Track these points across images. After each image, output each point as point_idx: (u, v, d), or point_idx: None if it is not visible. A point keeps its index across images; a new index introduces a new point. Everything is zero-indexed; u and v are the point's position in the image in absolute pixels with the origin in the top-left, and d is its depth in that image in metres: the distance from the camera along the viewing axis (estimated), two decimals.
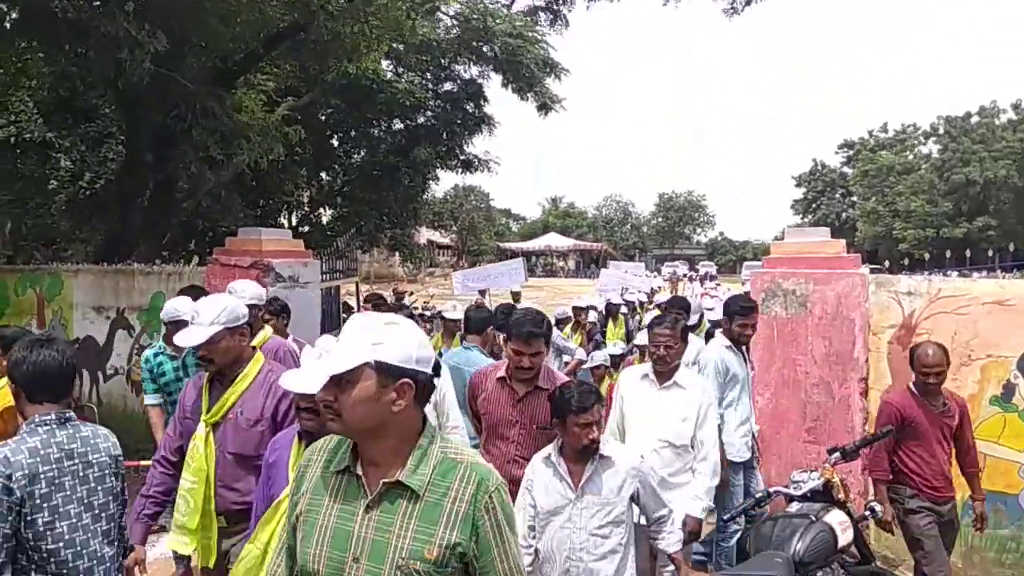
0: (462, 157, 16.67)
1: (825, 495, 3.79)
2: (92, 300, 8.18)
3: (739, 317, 4.79)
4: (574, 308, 10.14)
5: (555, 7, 11.26)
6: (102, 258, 9.18)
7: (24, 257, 12.29)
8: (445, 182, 72.73)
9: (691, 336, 6.56)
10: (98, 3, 7.59)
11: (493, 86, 16.44)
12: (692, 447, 3.90)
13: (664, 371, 4.01)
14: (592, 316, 10.25)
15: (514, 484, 3.19)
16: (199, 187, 11.51)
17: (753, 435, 4.93)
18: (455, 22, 13.82)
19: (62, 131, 12.20)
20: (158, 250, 10.37)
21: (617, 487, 3.12)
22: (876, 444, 4.16)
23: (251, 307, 4.22)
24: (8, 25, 8.87)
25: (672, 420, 3.92)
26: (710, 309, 9.16)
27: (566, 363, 7.68)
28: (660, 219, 78.50)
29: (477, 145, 16.70)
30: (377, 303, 8.18)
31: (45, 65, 10.35)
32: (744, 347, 4.95)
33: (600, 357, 7.70)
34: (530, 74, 13.82)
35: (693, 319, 7.17)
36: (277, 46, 9.90)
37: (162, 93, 9.04)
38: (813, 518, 3.59)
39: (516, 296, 11.58)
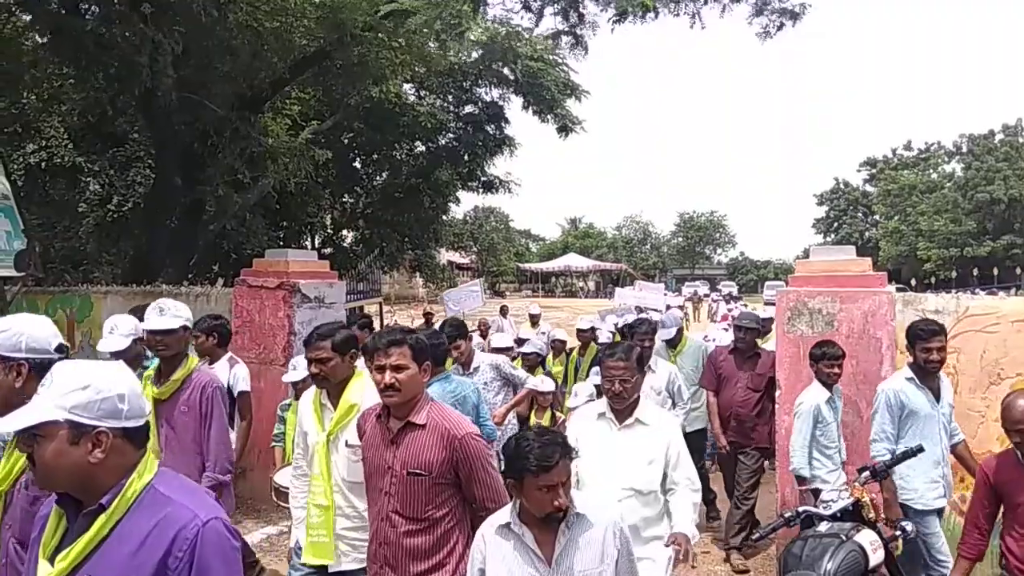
0: (483, 178, 16.83)
1: (855, 515, 3.76)
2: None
3: (921, 341, 4.29)
4: (578, 331, 8.64)
5: (578, 31, 11.32)
6: (130, 280, 9.34)
7: (53, 279, 12.52)
8: (465, 203, 73.13)
9: (663, 358, 6.30)
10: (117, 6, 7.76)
11: (514, 108, 16.62)
12: (663, 494, 3.40)
13: (622, 408, 3.47)
14: (604, 337, 8.89)
15: (388, 546, 2.79)
16: (225, 209, 11.70)
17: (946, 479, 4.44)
18: (477, 46, 13.99)
19: (91, 156, 12.49)
20: (184, 272, 10.54)
21: (599, 554, 2.50)
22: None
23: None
24: (41, 51, 9.15)
25: (637, 464, 3.37)
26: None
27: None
28: (680, 239, 78.25)
29: (498, 166, 16.88)
30: (363, 324, 8.19)
31: (76, 91, 10.61)
32: (934, 376, 4.39)
33: (584, 391, 5.90)
34: (551, 96, 13.95)
35: (670, 333, 6.81)
36: (304, 71, 10.10)
37: (191, 117, 9.25)
38: (843, 538, 3.56)
39: (534, 318, 11.47)
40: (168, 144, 9.75)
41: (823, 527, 3.72)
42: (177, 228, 10.76)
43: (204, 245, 11.87)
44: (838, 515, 3.76)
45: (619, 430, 3.45)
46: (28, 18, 9.20)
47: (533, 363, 6.90)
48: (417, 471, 2.74)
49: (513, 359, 6.75)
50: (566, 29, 9.52)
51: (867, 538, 3.60)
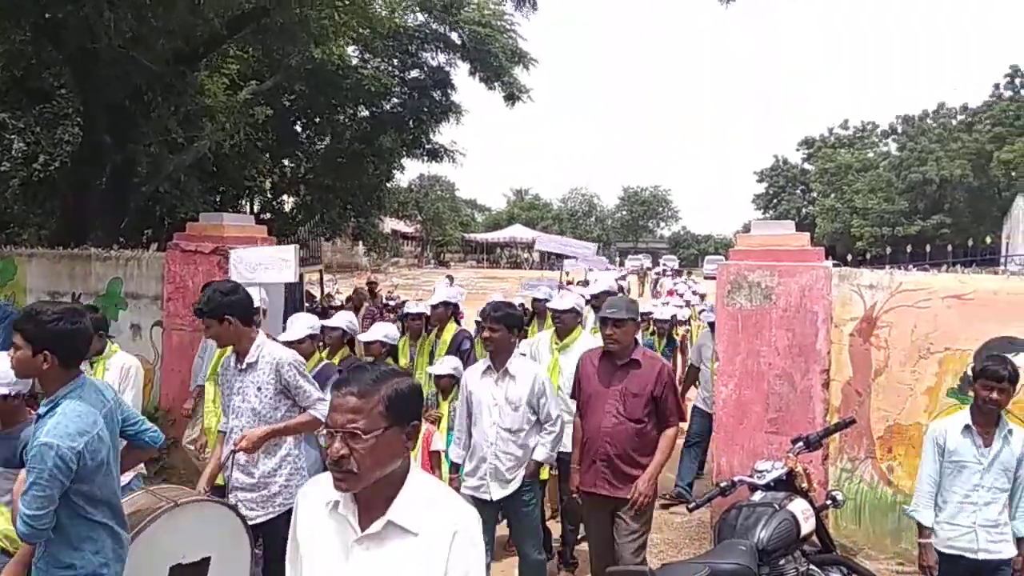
0: (428, 146, 16.59)
1: (788, 484, 3.84)
2: (47, 285, 7.97)
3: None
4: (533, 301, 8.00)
5: None
6: (57, 243, 8.94)
7: None
8: (410, 172, 72.36)
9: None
10: None
11: (460, 74, 16.39)
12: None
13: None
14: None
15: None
16: (159, 171, 11.27)
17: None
18: (421, 10, 13.73)
19: (16, 112, 11.86)
20: (115, 235, 10.13)
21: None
22: None
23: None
24: None
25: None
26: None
27: None
28: (624, 212, 78.90)
29: (444, 134, 16.66)
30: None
31: None
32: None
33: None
34: (498, 63, 13.80)
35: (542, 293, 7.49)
36: (242, 28, 9.72)
37: (123, 73, 8.84)
38: (777, 507, 3.63)
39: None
40: (98, 101, 9.30)
41: (757, 496, 3.79)
42: (107, 189, 10.31)
43: (136, 207, 11.41)
44: (772, 484, 3.83)
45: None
46: None
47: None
48: None
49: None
50: None
51: (799, 507, 3.68)
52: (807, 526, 3.65)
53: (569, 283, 8.73)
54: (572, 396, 4.48)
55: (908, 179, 52.85)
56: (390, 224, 37.64)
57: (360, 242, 24.65)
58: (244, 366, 3.83)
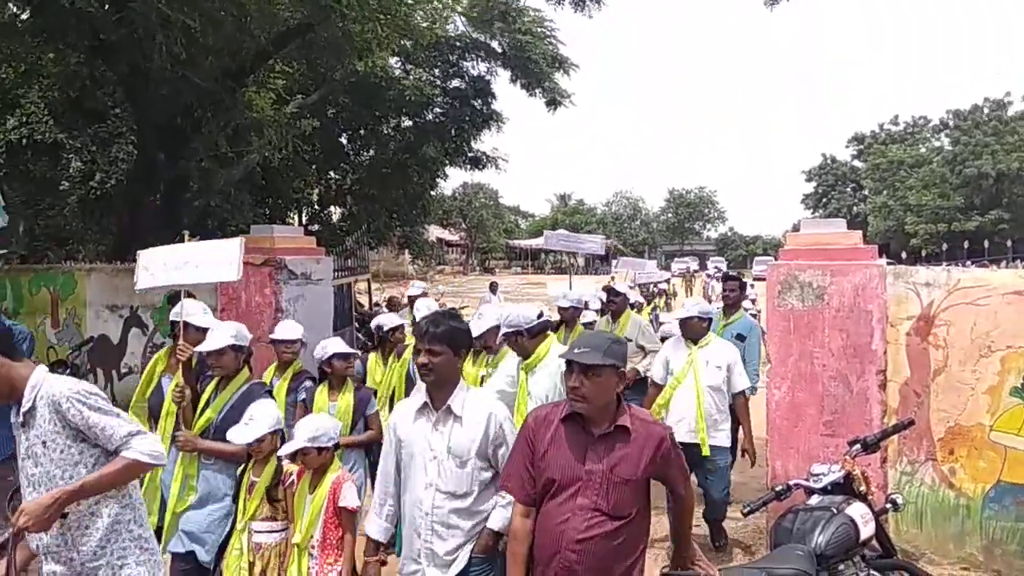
0: (470, 154, 16.69)
1: (846, 488, 3.74)
2: (105, 299, 8.21)
3: None
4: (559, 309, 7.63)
5: None
6: (115, 257, 9.22)
7: (38, 257, 12.35)
8: (454, 180, 72.95)
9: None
10: None
11: (501, 82, 16.49)
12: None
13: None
14: (590, 316, 8.22)
15: None
16: (210, 186, 11.54)
17: None
18: (463, 18, 13.83)
19: (73, 132, 12.27)
20: None
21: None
22: None
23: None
24: (20, 24, 8.94)
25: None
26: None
27: None
28: (670, 215, 78.27)
29: (485, 142, 16.76)
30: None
31: (55, 64, 10.39)
32: None
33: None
34: (539, 70, 13.80)
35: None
36: (287, 44, 9.91)
37: (173, 92, 9.08)
38: (834, 511, 3.54)
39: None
40: (150, 119, 9.57)
41: (813, 500, 3.70)
42: (161, 205, 10.61)
43: (189, 222, 11.69)
44: (828, 488, 3.74)
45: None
46: None
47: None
48: None
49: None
50: None
51: (858, 511, 3.58)
52: (866, 530, 3.56)
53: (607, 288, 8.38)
54: (503, 484, 3.05)
55: (963, 174, 51.44)
56: (435, 232, 37.96)
57: (406, 251, 24.87)
58: (22, 418, 2.82)
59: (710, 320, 5.97)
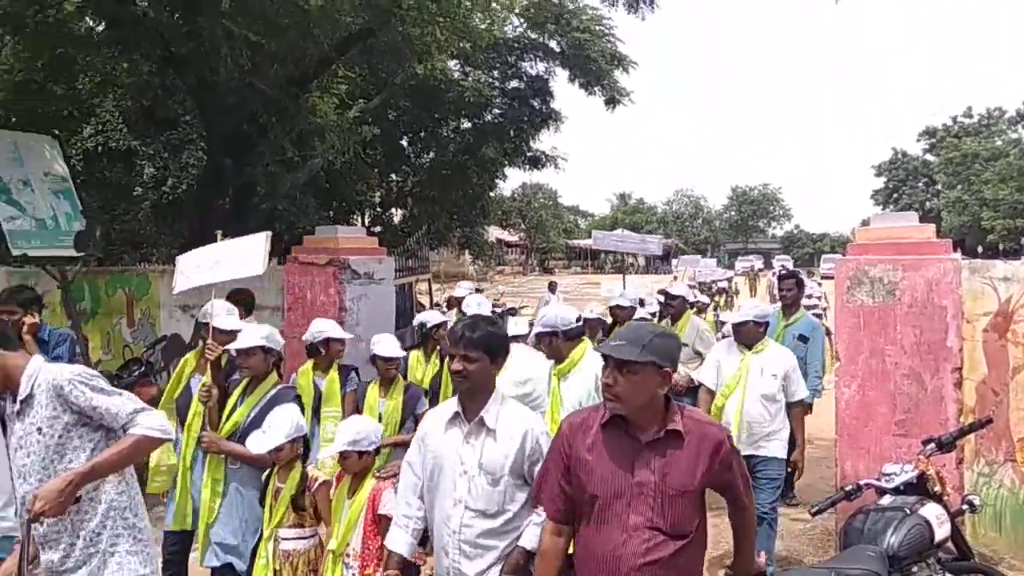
0: (529, 154, 16.71)
1: (919, 488, 3.63)
2: (178, 299, 8.48)
3: None
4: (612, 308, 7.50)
5: None
6: None
7: (114, 260, 12.84)
8: (513, 180, 73.12)
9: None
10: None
11: (559, 81, 16.44)
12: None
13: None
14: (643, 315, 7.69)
15: None
16: (276, 190, 11.82)
17: None
18: (520, 19, 13.86)
19: (145, 139, 12.73)
20: None
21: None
22: None
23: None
24: (96, 37, 9.33)
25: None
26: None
27: None
28: (733, 213, 77.00)
29: (544, 141, 16.74)
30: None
31: (128, 75, 10.80)
32: None
33: None
34: (597, 68, 13.71)
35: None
36: (349, 49, 10.08)
37: (240, 100, 9.33)
38: (908, 511, 3.44)
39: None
40: (219, 126, 9.86)
41: (886, 500, 3.60)
42: (230, 209, 10.92)
43: (256, 225, 12.01)
44: (901, 488, 3.63)
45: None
46: (78, 3, 9.38)
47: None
48: None
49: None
50: None
51: (933, 512, 3.47)
52: (941, 532, 3.44)
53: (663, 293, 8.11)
54: (535, 498, 2.78)
55: None
56: (495, 233, 38.12)
57: (466, 251, 25.04)
58: (18, 407, 2.82)
59: (767, 324, 5.50)
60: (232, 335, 4.47)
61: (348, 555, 3.64)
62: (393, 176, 17.56)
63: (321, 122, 11.49)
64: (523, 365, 4.46)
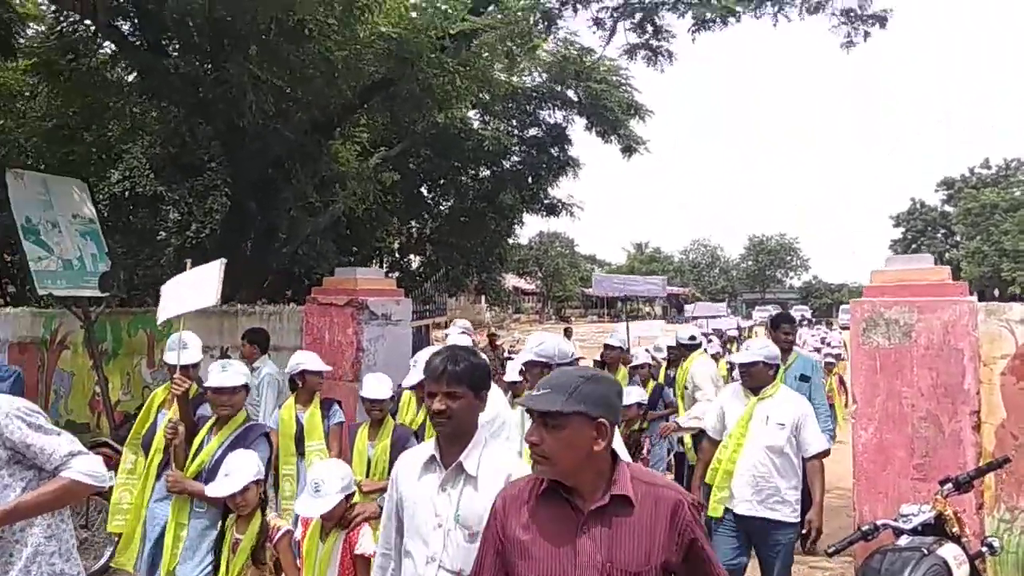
0: (546, 201, 16.88)
1: (937, 529, 3.60)
2: (200, 339, 8.59)
3: None
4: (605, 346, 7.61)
5: (652, 44, 11.33)
6: None
7: (137, 303, 13.04)
8: (530, 228, 73.62)
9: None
10: (225, 49, 8.14)
11: (576, 129, 16.62)
12: None
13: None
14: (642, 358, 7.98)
15: None
16: (297, 234, 12.02)
17: None
18: (545, 67, 14.18)
19: (171, 185, 13.03)
20: (257, 295, 10.86)
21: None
22: None
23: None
24: (126, 85, 9.65)
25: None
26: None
27: None
28: (750, 262, 76.89)
29: (562, 188, 16.93)
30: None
31: (157, 122, 11.11)
32: None
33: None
34: (614, 117, 13.94)
35: None
36: (371, 97, 10.34)
37: (265, 145, 9.57)
38: (925, 551, 3.41)
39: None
40: (245, 170, 10.10)
41: (903, 541, 3.57)
42: (252, 253, 11.10)
43: (277, 269, 12.20)
44: (919, 529, 3.61)
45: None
46: (111, 51, 9.73)
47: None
48: None
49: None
50: (641, 43, 9.60)
51: (951, 552, 3.44)
52: (960, 573, 3.41)
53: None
54: None
55: None
56: (511, 281, 38.26)
57: (483, 297, 25.16)
58: None
59: (777, 367, 4.85)
60: (192, 369, 4.57)
61: None
62: (412, 223, 17.78)
63: (343, 169, 11.73)
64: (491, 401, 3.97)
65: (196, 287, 4.45)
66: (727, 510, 4.54)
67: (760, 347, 4.79)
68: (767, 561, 4.54)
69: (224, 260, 4.54)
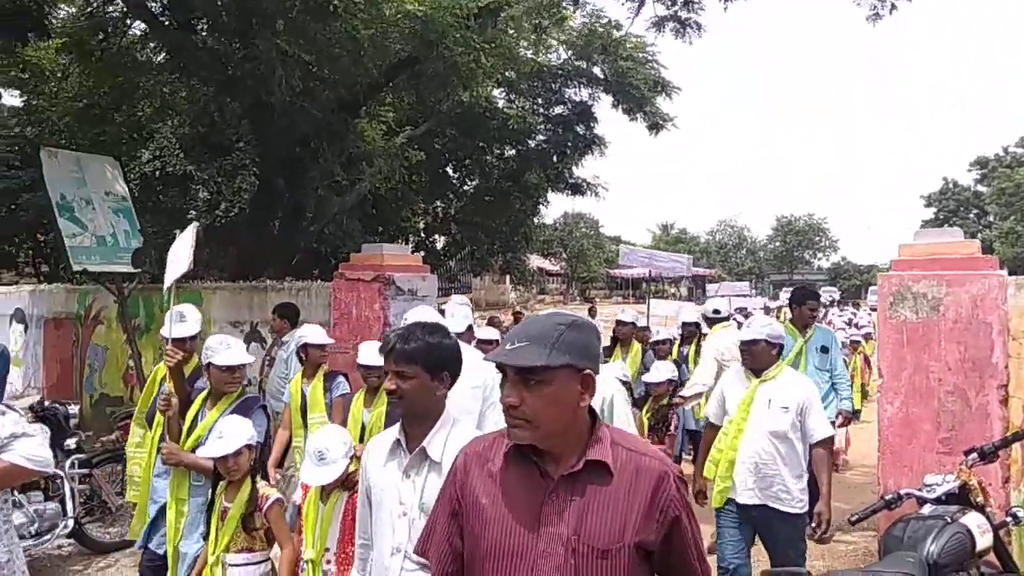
0: (571, 180, 16.84)
1: (961, 498, 3.60)
2: (229, 315, 8.76)
3: None
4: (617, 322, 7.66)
5: (682, 16, 11.24)
6: (236, 277, 9.84)
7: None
8: (555, 209, 73.40)
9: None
10: (253, 27, 8.22)
11: (603, 107, 16.58)
12: None
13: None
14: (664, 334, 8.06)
15: None
16: (324, 212, 12.13)
17: None
18: (571, 44, 14.12)
19: (201, 164, 13.19)
20: (285, 273, 11.02)
21: None
22: None
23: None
24: (155, 64, 9.78)
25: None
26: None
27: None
28: (778, 243, 76.10)
29: (587, 167, 16.87)
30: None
31: (187, 101, 11.25)
32: None
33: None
34: (640, 95, 13.85)
35: None
36: (397, 76, 10.39)
37: (292, 123, 9.67)
38: (948, 519, 3.41)
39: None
40: (273, 148, 10.21)
41: (926, 510, 3.58)
42: (280, 231, 11.24)
43: (304, 247, 12.33)
44: (943, 498, 3.61)
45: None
46: (140, 31, 9.86)
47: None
48: None
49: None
50: (669, 15, 9.56)
51: (974, 521, 3.44)
52: (983, 541, 3.41)
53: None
54: (420, 552, 2.03)
55: None
56: (536, 262, 38.28)
57: (507, 278, 25.20)
58: None
59: (781, 347, 4.51)
60: (190, 341, 4.66)
61: (328, 561, 3.48)
62: (437, 202, 17.84)
63: (369, 147, 11.81)
64: (477, 367, 3.39)
65: (178, 255, 4.50)
66: (730, 500, 4.35)
67: (763, 324, 4.47)
68: (774, 552, 4.36)
69: (198, 223, 4.81)
